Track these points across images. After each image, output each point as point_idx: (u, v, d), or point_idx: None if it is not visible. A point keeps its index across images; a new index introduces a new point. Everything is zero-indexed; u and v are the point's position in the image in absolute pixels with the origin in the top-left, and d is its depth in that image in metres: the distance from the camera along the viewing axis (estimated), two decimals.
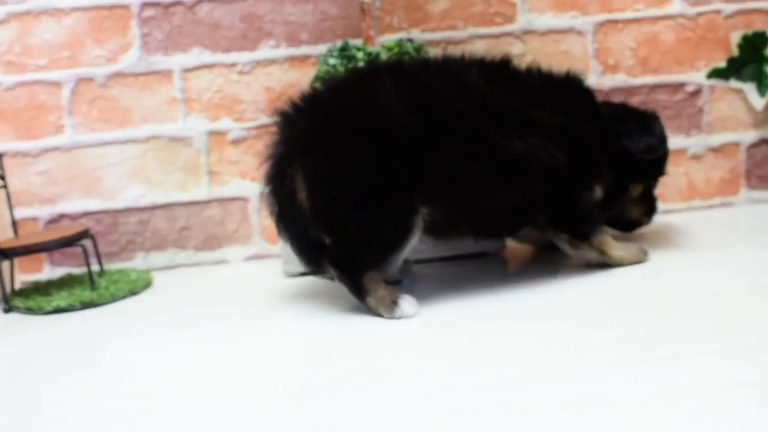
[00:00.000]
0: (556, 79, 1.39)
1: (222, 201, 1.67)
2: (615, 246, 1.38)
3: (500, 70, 1.35)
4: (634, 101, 1.70)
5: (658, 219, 1.65)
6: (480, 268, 1.47)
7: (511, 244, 1.60)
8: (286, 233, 1.30)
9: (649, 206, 1.49)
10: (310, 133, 1.25)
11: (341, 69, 1.43)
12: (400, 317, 1.23)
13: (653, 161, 1.42)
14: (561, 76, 1.40)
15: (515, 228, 1.41)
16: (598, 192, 1.35)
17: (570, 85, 1.40)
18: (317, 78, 1.44)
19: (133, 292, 1.48)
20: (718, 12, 1.71)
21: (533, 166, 1.27)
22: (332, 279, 1.32)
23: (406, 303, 1.24)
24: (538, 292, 1.30)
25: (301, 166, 1.24)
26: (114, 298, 1.45)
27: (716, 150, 1.74)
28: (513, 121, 1.27)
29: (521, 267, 1.47)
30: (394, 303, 1.23)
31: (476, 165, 1.24)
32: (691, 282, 1.27)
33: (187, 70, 1.63)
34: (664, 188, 1.73)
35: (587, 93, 1.41)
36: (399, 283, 1.40)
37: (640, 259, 1.39)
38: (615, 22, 1.69)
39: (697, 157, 1.74)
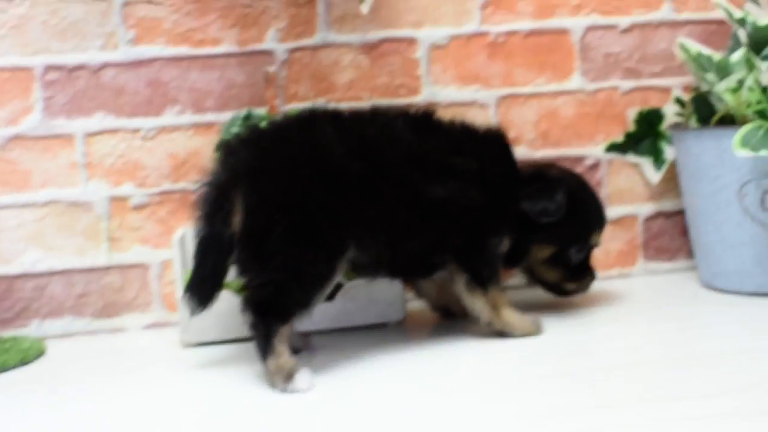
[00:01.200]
0: (477, 131, 1.44)
1: (122, 268, 1.64)
2: (508, 310, 1.40)
3: (423, 121, 1.40)
4: None
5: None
6: (380, 338, 1.47)
7: (412, 313, 1.60)
8: (202, 261, 1.28)
9: (568, 272, 1.49)
10: (257, 160, 1.28)
11: None
12: (293, 391, 1.22)
13: (558, 225, 1.44)
14: (482, 129, 1.45)
15: (431, 270, 1.43)
16: (505, 243, 1.41)
17: (489, 138, 1.44)
18: (220, 145, 1.44)
19: (24, 362, 1.44)
20: (615, 88, 1.76)
21: (451, 209, 1.34)
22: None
23: (302, 377, 1.23)
24: (438, 363, 1.31)
25: (244, 191, 1.25)
26: (3, 368, 1.41)
27: (614, 222, 1.78)
28: (435, 168, 1.34)
29: (422, 336, 1.47)
30: (290, 376, 1.23)
31: (404, 210, 1.31)
32: (585, 355, 1.29)
33: (90, 135, 1.62)
34: None
35: (505, 147, 1.45)
36: (297, 353, 1.38)
37: (531, 331, 1.41)
38: (517, 96, 1.73)
39: None
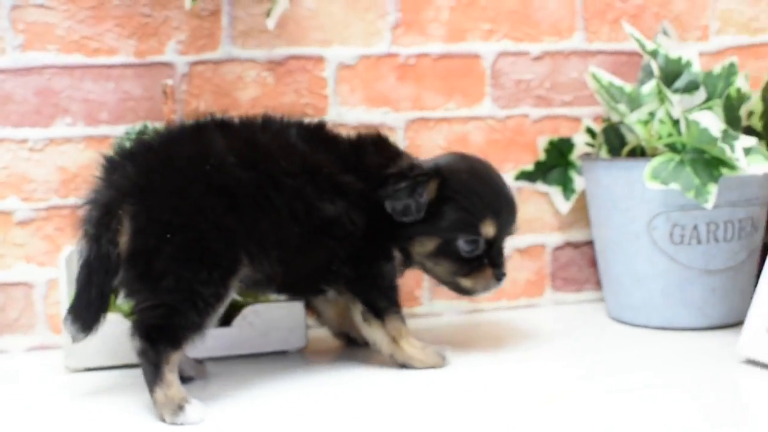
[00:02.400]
0: (365, 141, 1.38)
1: (4, 286, 1.54)
2: (409, 341, 1.35)
3: (316, 132, 1.35)
4: None
5: (463, 319, 1.64)
6: (280, 366, 1.40)
7: (313, 340, 1.53)
8: (86, 284, 1.19)
9: (462, 266, 1.34)
10: (143, 177, 1.20)
11: None
12: (182, 423, 1.15)
13: (436, 215, 1.33)
14: (370, 136, 1.40)
15: (323, 290, 1.38)
16: (398, 259, 1.35)
17: (377, 146, 1.39)
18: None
19: None
20: (526, 116, 1.74)
21: (338, 232, 1.29)
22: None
23: (193, 409, 1.16)
24: (339, 393, 1.26)
25: (131, 209, 1.17)
26: None
27: (522, 251, 1.75)
28: (326, 184, 1.28)
29: (324, 365, 1.41)
30: (180, 408, 1.16)
31: (297, 225, 1.25)
32: (488, 389, 1.26)
33: None
34: None
35: (395, 153, 1.39)
36: (189, 381, 1.32)
37: (434, 364, 1.36)
38: (426, 120, 1.69)
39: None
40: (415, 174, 1.30)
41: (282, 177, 1.25)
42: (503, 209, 1.35)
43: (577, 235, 1.78)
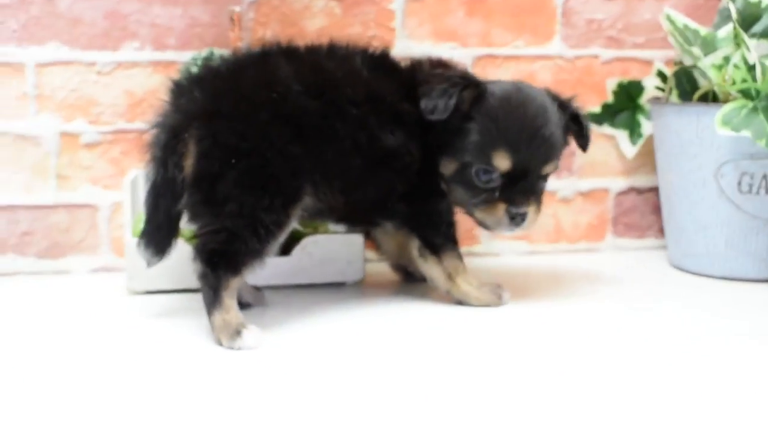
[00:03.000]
0: (423, 65, 1.35)
1: (69, 207, 1.57)
2: (465, 278, 1.35)
3: (380, 59, 1.33)
4: None
5: (521, 260, 1.63)
6: (337, 298, 1.41)
7: (371, 273, 1.54)
8: (155, 208, 1.21)
9: (476, 196, 1.27)
10: (210, 102, 1.20)
11: None
12: (240, 348, 1.17)
13: (459, 136, 1.27)
14: (428, 60, 1.36)
15: (379, 221, 1.37)
16: (449, 166, 1.30)
17: (434, 68, 1.34)
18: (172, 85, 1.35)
19: None
20: (596, 57, 1.70)
21: (396, 164, 1.27)
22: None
23: (250, 334, 1.18)
24: (393, 327, 1.26)
25: (198, 133, 1.18)
26: None
27: (585, 194, 1.73)
28: (389, 113, 1.26)
29: (380, 298, 1.41)
30: (238, 333, 1.17)
31: (359, 156, 1.24)
32: (544, 330, 1.25)
33: (42, 65, 1.53)
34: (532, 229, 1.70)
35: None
36: (247, 308, 1.33)
37: (490, 302, 1.35)
38: (494, 57, 1.67)
39: (566, 200, 1.73)
40: (453, 79, 1.25)
41: (347, 106, 1.24)
42: (522, 143, 1.24)
43: (641, 181, 1.75)
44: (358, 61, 1.29)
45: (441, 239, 1.33)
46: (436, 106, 1.23)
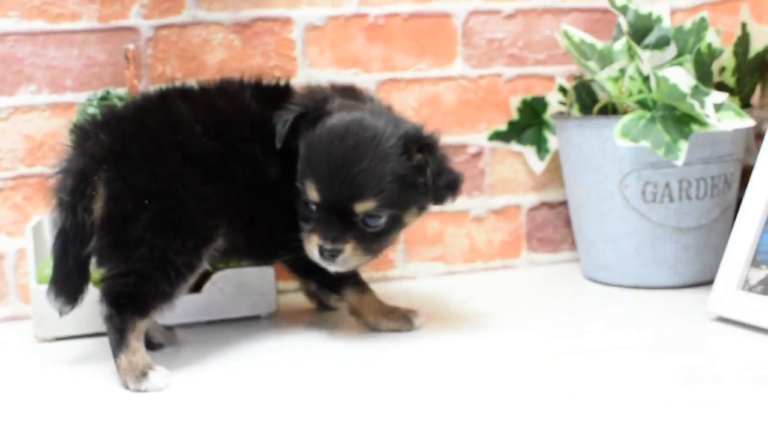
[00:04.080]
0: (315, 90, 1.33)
1: None
2: (374, 308, 1.34)
3: (272, 91, 1.32)
4: None
5: (438, 281, 1.63)
6: (251, 331, 1.40)
7: (284, 305, 1.52)
8: (63, 254, 1.18)
9: (305, 223, 1.24)
10: (119, 144, 1.18)
11: None
12: (146, 390, 1.14)
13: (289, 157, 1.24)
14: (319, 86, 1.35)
15: (279, 258, 1.36)
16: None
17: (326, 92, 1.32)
18: (74, 128, 1.33)
19: None
20: (499, 75, 1.72)
21: (279, 198, 1.25)
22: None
23: (156, 375, 1.16)
24: (310, 358, 1.25)
25: (107, 176, 1.16)
26: None
27: (497, 212, 1.74)
28: (270, 145, 1.24)
29: (296, 329, 1.40)
30: (144, 374, 1.15)
31: (250, 192, 1.24)
32: (463, 352, 1.25)
33: None
34: (446, 249, 1.70)
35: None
36: (159, 348, 1.32)
37: (402, 327, 1.35)
38: (397, 80, 1.67)
39: (479, 219, 1.73)
40: (293, 108, 1.23)
41: (238, 143, 1.23)
42: (328, 176, 1.18)
43: (552, 195, 1.77)
44: (247, 96, 1.29)
45: (333, 280, 1.32)
46: (276, 132, 1.22)
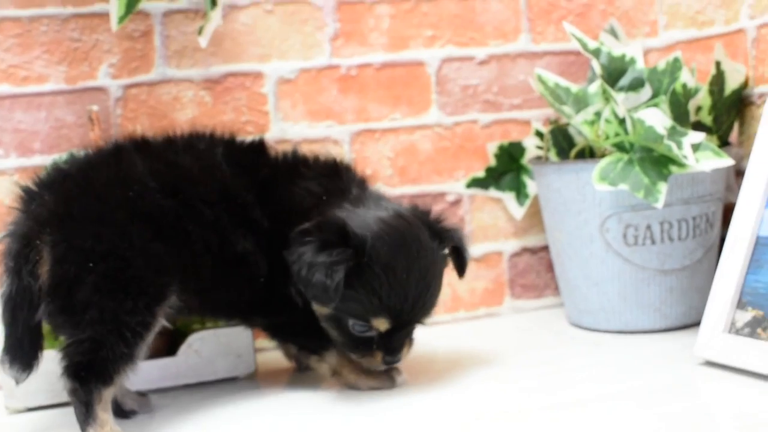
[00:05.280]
0: (295, 163, 1.31)
1: None
2: (353, 368, 1.30)
3: (246, 151, 1.29)
4: None
5: (420, 333, 1.59)
6: (229, 394, 1.35)
7: (262, 365, 1.49)
8: (13, 321, 1.14)
9: (351, 341, 1.23)
10: (62, 205, 1.15)
11: None
12: None
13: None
14: (303, 158, 1.33)
15: (243, 323, 1.35)
16: (321, 310, 1.23)
17: (307, 171, 1.30)
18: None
19: None
20: (474, 121, 1.70)
21: (245, 272, 1.23)
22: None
23: None
24: (292, 419, 1.21)
25: (51, 239, 1.12)
26: None
27: (479, 260, 1.71)
28: (240, 216, 1.22)
29: (276, 390, 1.36)
30: None
31: (211, 258, 1.20)
32: (448, 405, 1.21)
33: None
34: None
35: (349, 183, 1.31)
36: (132, 416, 1.27)
37: (383, 386, 1.31)
38: (372, 131, 1.65)
39: None
40: (333, 247, 1.16)
41: (200, 205, 1.20)
42: (404, 307, 1.19)
43: (533, 241, 1.74)
44: (218, 155, 1.26)
45: (313, 343, 1.29)
46: (322, 287, 1.15)
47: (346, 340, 1.24)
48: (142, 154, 1.22)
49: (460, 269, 1.31)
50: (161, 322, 1.19)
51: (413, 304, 1.21)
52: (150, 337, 1.17)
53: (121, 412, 1.23)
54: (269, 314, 1.26)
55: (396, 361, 1.24)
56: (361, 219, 1.22)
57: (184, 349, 1.40)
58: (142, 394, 1.32)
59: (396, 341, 1.23)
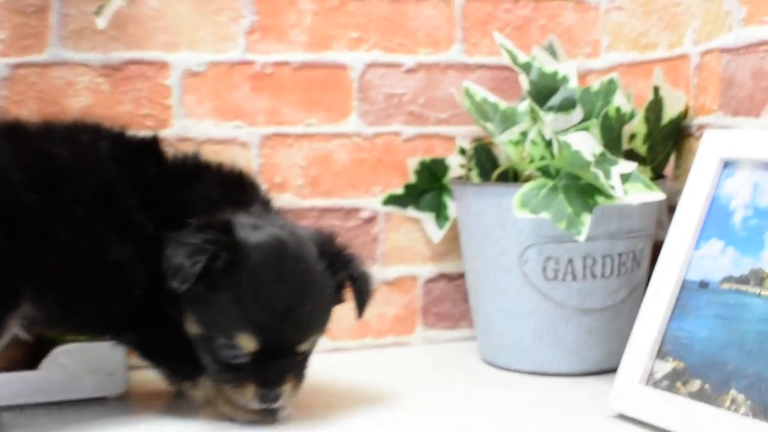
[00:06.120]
0: (195, 168, 1.20)
1: None
2: (227, 399, 1.15)
3: (136, 148, 1.18)
4: (303, 225, 1.51)
5: (321, 359, 1.46)
6: (96, 415, 1.22)
7: (135, 385, 1.34)
8: None
9: (219, 368, 1.10)
10: None
11: None
12: None
13: (207, 295, 1.08)
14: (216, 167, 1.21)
15: (113, 339, 1.20)
16: (192, 327, 1.12)
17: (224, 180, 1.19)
18: None
19: None
20: (397, 134, 1.57)
21: (119, 283, 1.10)
22: None
23: None
24: None
25: None
26: None
27: (391, 283, 1.58)
28: (119, 219, 1.10)
29: (148, 414, 1.24)
30: None
31: (78, 265, 1.08)
32: None
33: None
34: (333, 323, 1.53)
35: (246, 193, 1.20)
36: None
37: (261, 419, 1.16)
38: (285, 135, 1.52)
39: None
40: (209, 237, 1.05)
41: (71, 204, 1.07)
42: (272, 324, 1.06)
43: (452, 266, 1.61)
44: (102, 149, 1.14)
45: (186, 367, 1.16)
46: (178, 267, 1.04)
47: (215, 367, 1.10)
48: (11, 140, 1.09)
49: (358, 304, 1.16)
50: (7, 336, 1.06)
51: (282, 319, 1.06)
52: None
53: None
54: (143, 332, 1.15)
55: (272, 399, 1.09)
56: (250, 226, 1.10)
57: (48, 362, 1.25)
58: None
59: (272, 372, 1.08)
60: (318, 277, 1.11)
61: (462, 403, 1.28)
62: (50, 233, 1.06)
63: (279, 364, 1.08)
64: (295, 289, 1.07)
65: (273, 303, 1.06)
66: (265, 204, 1.21)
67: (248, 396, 1.09)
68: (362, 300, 1.16)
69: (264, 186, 1.26)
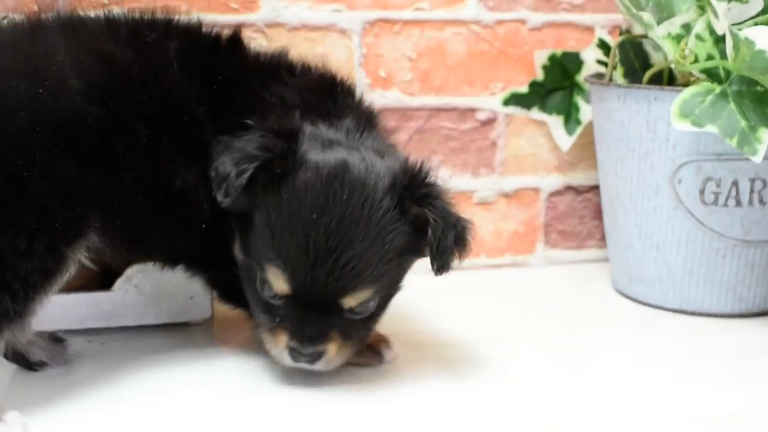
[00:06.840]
0: (280, 67, 1.02)
1: None
2: None
3: (212, 47, 1.01)
4: (410, 127, 1.34)
5: (430, 280, 1.32)
6: (177, 344, 1.11)
7: (220, 310, 1.22)
8: None
9: (257, 305, 0.96)
10: None
11: None
12: None
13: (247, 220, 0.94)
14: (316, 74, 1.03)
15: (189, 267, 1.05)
16: (238, 253, 0.99)
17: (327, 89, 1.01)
18: None
19: None
20: (522, 22, 1.40)
21: (183, 213, 0.96)
22: None
23: (5, 427, 0.85)
24: (254, 382, 1.00)
25: None
26: None
27: (510, 196, 1.45)
28: (186, 137, 0.94)
29: (234, 341, 1.13)
30: None
31: (141, 193, 0.93)
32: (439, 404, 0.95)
33: None
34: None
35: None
36: (41, 368, 1.02)
37: (367, 362, 1.04)
38: (391, 22, 1.36)
39: (485, 203, 1.44)
40: (264, 143, 0.89)
41: (135, 121, 0.91)
42: (298, 264, 0.89)
43: (580, 178, 1.47)
44: (171, 51, 0.96)
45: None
46: (222, 178, 0.89)
47: (255, 302, 0.96)
48: (69, 38, 0.93)
49: (432, 259, 0.92)
50: (71, 269, 0.91)
51: (317, 261, 0.88)
52: (55, 287, 0.91)
53: (25, 363, 1.01)
54: (210, 268, 1.02)
55: (308, 357, 0.92)
56: (321, 141, 0.93)
57: (122, 282, 1.14)
58: (58, 339, 1.07)
59: (309, 324, 0.91)
60: (377, 217, 0.89)
61: (591, 343, 1.14)
62: (113, 156, 0.91)
63: (319, 318, 0.91)
64: (340, 226, 0.88)
65: (309, 238, 0.88)
66: (364, 118, 1.01)
67: (279, 346, 0.93)
68: (438, 253, 0.91)
69: (366, 98, 1.05)
